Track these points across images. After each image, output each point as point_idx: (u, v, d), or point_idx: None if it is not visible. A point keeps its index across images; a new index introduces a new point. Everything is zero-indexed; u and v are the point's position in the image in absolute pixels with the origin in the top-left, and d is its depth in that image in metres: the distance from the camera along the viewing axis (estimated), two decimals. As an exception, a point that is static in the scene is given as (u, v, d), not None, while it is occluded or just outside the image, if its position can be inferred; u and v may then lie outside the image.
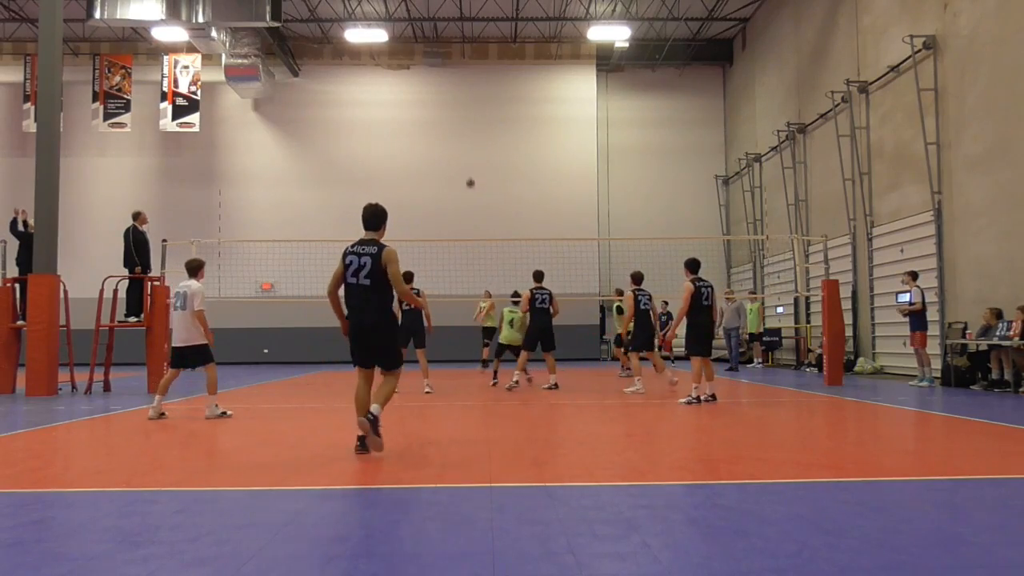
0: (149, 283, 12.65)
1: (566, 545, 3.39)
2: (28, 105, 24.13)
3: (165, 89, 24.18)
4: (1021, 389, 11.34)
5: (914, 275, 13.24)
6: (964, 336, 12.76)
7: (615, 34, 23.61)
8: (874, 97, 16.90)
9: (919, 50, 14.62)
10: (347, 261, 5.92)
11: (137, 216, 12.72)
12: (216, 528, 3.78)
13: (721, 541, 3.50)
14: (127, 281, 12.62)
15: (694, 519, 3.91)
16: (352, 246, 5.98)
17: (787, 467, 5.50)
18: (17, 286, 12.73)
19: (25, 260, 12.80)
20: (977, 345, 12.51)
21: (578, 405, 10.17)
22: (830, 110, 18.24)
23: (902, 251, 15.69)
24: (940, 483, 4.97)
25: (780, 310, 22.26)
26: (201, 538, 3.58)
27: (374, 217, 6.04)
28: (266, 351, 24.42)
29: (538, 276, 12.65)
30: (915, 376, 13.44)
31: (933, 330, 13.60)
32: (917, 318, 12.91)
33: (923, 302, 12.91)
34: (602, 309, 25.19)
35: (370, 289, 5.84)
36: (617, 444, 6.68)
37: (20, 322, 12.49)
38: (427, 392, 11.68)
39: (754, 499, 4.41)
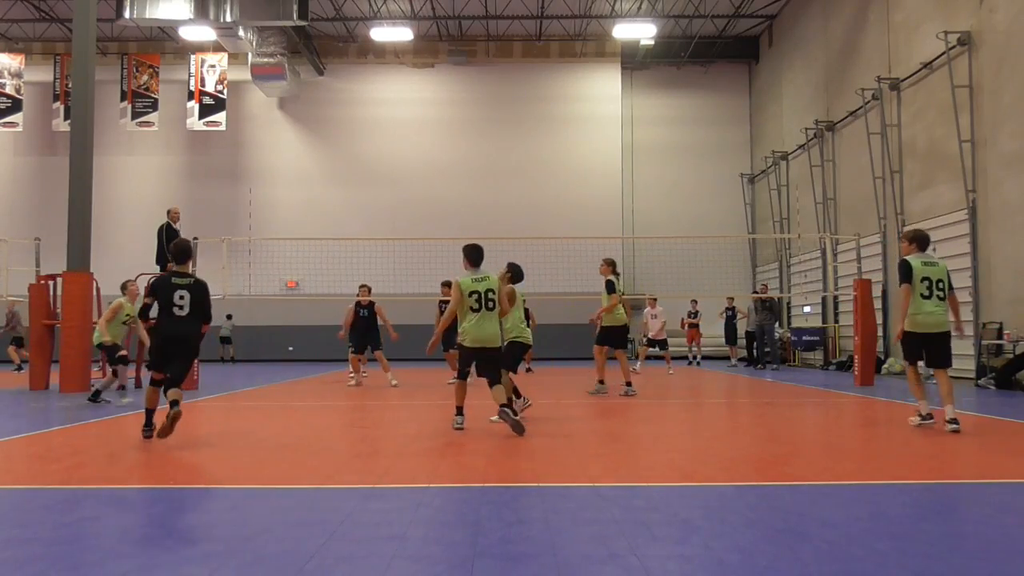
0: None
1: (627, 547, 3.34)
2: (58, 104, 24.42)
3: (192, 88, 24.37)
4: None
5: None
6: (1000, 336, 12.54)
7: (641, 32, 23.44)
8: (906, 94, 16.66)
9: (953, 46, 14.38)
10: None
11: (169, 212, 12.80)
12: (271, 526, 3.77)
13: (784, 544, 3.43)
14: (159, 278, 12.64)
15: (752, 521, 3.85)
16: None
17: (835, 468, 5.41)
18: (52, 283, 12.85)
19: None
20: (1014, 345, 12.29)
21: (606, 404, 10.09)
22: (860, 108, 18.00)
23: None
24: (993, 487, 4.85)
25: (807, 309, 22.03)
26: (257, 536, 3.57)
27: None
28: (291, 348, 24.55)
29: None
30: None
31: (967, 330, 13.37)
32: None
33: None
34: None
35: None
36: (658, 444, 6.61)
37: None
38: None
39: (808, 501, 4.33)
